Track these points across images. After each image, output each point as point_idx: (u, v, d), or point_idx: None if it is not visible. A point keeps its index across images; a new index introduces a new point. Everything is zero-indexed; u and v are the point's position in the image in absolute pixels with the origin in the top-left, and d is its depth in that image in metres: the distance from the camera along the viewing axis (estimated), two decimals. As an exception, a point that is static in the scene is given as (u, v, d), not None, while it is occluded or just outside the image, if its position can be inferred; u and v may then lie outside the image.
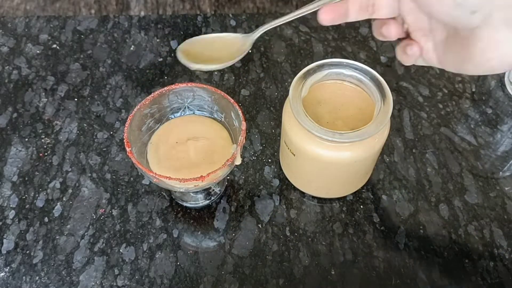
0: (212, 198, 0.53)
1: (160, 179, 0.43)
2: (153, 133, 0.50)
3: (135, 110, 0.47)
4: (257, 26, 0.68)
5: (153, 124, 0.50)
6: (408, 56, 0.37)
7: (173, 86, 0.49)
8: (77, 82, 0.63)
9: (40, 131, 0.58)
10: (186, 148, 0.49)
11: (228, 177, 0.55)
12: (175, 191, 0.53)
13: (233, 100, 0.47)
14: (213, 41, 0.45)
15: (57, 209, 0.53)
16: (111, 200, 0.53)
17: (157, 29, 0.68)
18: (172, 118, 0.51)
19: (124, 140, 0.45)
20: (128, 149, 0.45)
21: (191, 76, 0.63)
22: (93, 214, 0.52)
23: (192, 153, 0.48)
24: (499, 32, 0.30)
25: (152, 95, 0.48)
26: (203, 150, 0.49)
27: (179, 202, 0.53)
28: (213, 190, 0.54)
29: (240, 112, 0.46)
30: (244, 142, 0.46)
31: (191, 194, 0.53)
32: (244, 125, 0.46)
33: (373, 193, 0.54)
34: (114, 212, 0.53)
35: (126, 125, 0.46)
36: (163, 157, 0.48)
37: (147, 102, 0.48)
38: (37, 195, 0.54)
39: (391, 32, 0.37)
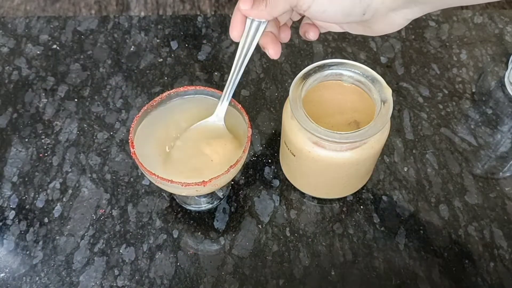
0: (215, 202, 0.53)
1: (162, 182, 0.43)
2: (156, 133, 0.50)
3: (142, 111, 0.47)
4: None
5: (157, 125, 0.50)
6: (308, 39, 0.46)
7: (181, 89, 0.49)
8: (77, 82, 0.63)
9: (40, 131, 0.58)
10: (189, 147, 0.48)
11: (232, 182, 0.55)
12: (178, 195, 0.53)
13: (240, 106, 0.47)
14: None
15: (57, 210, 0.53)
16: (111, 201, 0.53)
17: (157, 29, 0.68)
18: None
19: (129, 141, 0.45)
20: (132, 150, 0.44)
21: (191, 76, 0.63)
22: (93, 215, 0.52)
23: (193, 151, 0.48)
24: (388, 17, 0.40)
25: (160, 96, 0.48)
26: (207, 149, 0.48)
27: (182, 205, 0.53)
28: (216, 194, 0.54)
29: (247, 118, 0.46)
30: (249, 148, 0.46)
31: (195, 197, 0.53)
32: (250, 132, 0.45)
33: (373, 193, 0.54)
34: (114, 213, 0.53)
35: (132, 125, 0.46)
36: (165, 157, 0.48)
37: (154, 103, 0.48)
38: (37, 196, 0.54)
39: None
